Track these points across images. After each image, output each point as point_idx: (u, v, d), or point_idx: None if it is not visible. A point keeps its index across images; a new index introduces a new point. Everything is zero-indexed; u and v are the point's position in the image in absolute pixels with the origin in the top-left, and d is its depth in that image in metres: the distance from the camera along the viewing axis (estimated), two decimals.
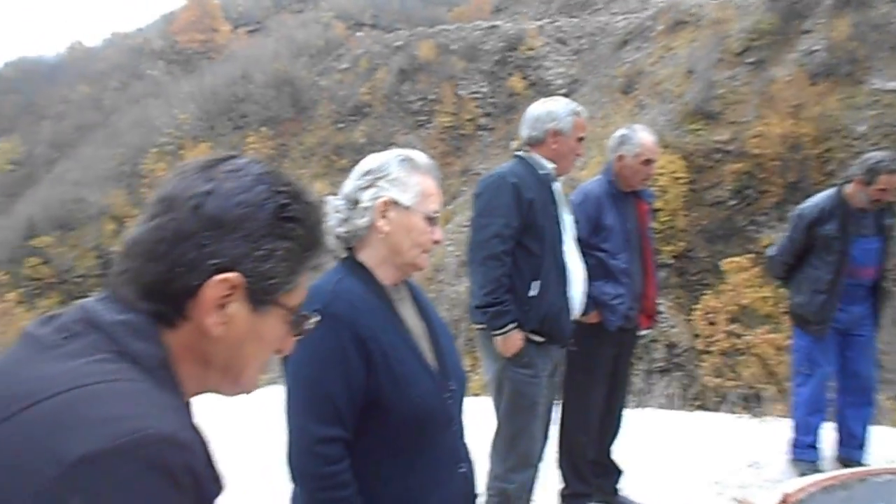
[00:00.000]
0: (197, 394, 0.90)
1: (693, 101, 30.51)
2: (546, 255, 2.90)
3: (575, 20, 48.43)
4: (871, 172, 3.69)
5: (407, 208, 1.63)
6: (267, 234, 0.85)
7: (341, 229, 1.67)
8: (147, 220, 0.85)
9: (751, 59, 31.47)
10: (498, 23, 50.43)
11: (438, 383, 1.61)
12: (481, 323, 2.91)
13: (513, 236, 2.84)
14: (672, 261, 26.97)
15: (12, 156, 60.84)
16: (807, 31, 31.07)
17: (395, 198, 1.63)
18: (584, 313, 3.20)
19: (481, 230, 2.86)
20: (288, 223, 0.87)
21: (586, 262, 3.18)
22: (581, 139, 2.99)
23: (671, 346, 24.40)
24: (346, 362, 1.52)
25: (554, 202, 2.99)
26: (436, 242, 1.67)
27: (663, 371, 22.54)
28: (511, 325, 2.82)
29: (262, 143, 44.19)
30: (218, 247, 0.83)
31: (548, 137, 2.95)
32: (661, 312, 25.46)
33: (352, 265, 1.66)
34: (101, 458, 0.66)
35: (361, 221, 1.64)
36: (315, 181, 36.23)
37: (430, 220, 1.66)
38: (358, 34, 60.50)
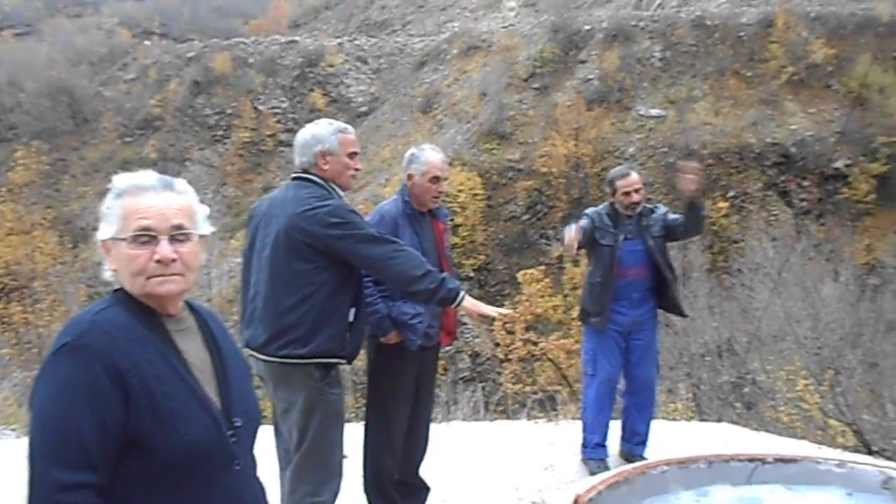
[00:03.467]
0: None
1: (487, 122, 32.21)
2: (360, 281, 2.99)
3: (374, 39, 49.15)
4: (610, 184, 4.31)
5: (115, 240, 1.52)
6: None
7: (107, 270, 1.58)
8: None
9: (536, 85, 33.90)
10: (297, 38, 49.79)
11: (218, 419, 1.51)
12: (293, 358, 2.84)
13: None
14: (473, 274, 28.20)
15: None
16: (583, 62, 34.12)
17: (102, 236, 1.55)
18: (384, 334, 3.20)
19: (360, 229, 2.88)
20: None
21: (385, 283, 3.20)
22: (353, 154, 3.04)
23: (475, 355, 25.41)
24: (98, 398, 1.37)
25: None
26: (159, 262, 1.49)
27: (468, 380, 23.37)
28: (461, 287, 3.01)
29: (35, 158, 39.71)
30: None
31: (318, 160, 2.97)
32: (465, 324, 26.49)
33: (123, 295, 1.55)
34: None
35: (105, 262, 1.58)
36: (100, 200, 33.27)
37: (140, 238, 1.50)
38: (146, 43, 56.73)
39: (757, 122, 28.96)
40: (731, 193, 27.48)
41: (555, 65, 34.39)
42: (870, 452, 7.95)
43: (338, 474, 3.00)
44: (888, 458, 7.70)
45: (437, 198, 3.43)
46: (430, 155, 3.42)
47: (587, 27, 35.54)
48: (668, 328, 14.88)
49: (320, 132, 3.00)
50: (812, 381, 10.19)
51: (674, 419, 9.36)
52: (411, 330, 3.24)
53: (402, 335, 3.24)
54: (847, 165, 26.93)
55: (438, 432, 4.75)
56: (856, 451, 8.14)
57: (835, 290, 13.88)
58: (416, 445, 3.53)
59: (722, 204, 27.01)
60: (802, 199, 26.91)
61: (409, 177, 3.40)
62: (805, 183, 27.20)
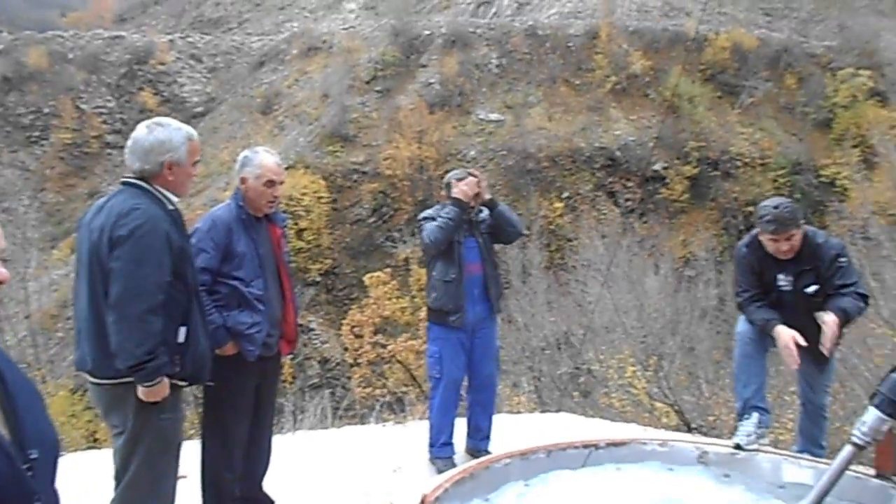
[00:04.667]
0: None
1: (330, 124, 31.87)
2: (191, 298, 2.78)
3: (209, 37, 47.06)
4: (447, 186, 4.38)
5: None
6: None
7: None
8: None
9: (379, 88, 34.02)
10: (123, 33, 46.57)
11: (10, 453, 1.37)
12: (125, 378, 2.64)
13: (169, 284, 2.64)
14: (320, 278, 27.79)
15: None
16: (424, 66, 34.70)
17: None
18: (220, 345, 3.05)
19: (137, 279, 2.56)
20: None
21: (219, 292, 3.06)
22: (196, 162, 2.86)
23: (324, 361, 25.04)
24: None
25: (186, 238, 2.82)
26: None
27: (317, 387, 23.00)
28: (162, 377, 2.65)
29: None
30: None
31: (164, 170, 2.74)
32: (312, 329, 26.01)
33: None
34: None
35: None
36: None
37: None
38: None
39: (586, 127, 30.85)
40: (565, 194, 29.08)
41: (396, 68, 34.68)
42: (689, 430, 8.72)
43: (170, 502, 2.83)
44: (704, 434, 8.48)
45: (273, 202, 3.31)
46: (265, 157, 3.29)
47: (427, 32, 36.17)
48: (511, 324, 15.49)
49: (171, 139, 2.73)
50: (639, 367, 11.01)
51: (518, 412, 9.74)
52: (249, 340, 3.11)
53: (239, 346, 3.11)
54: (664, 168, 29.38)
55: (284, 443, 4.62)
56: (678, 429, 8.90)
57: (656, 283, 15.10)
58: (258, 459, 3.41)
59: (558, 204, 28.52)
60: (627, 199, 29.02)
61: (243, 180, 3.27)
62: (629, 184, 29.34)
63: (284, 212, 3.62)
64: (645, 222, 27.67)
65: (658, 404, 10.09)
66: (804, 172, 29.21)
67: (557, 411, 8.42)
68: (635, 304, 13.16)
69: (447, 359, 4.39)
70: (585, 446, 3.43)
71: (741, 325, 4.02)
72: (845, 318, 3.62)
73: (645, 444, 3.55)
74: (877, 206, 13.31)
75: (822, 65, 32.84)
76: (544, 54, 34.23)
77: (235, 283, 3.12)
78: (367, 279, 20.63)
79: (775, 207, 3.75)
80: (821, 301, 3.74)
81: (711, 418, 9.50)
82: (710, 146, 29.95)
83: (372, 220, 29.42)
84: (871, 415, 2.78)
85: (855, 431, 2.81)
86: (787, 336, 3.66)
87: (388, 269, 22.32)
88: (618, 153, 29.83)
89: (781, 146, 30.30)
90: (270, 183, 3.25)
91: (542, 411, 9.51)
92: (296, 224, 26.05)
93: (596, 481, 3.22)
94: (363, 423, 7.66)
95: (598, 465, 3.38)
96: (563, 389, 12.87)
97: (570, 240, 25.86)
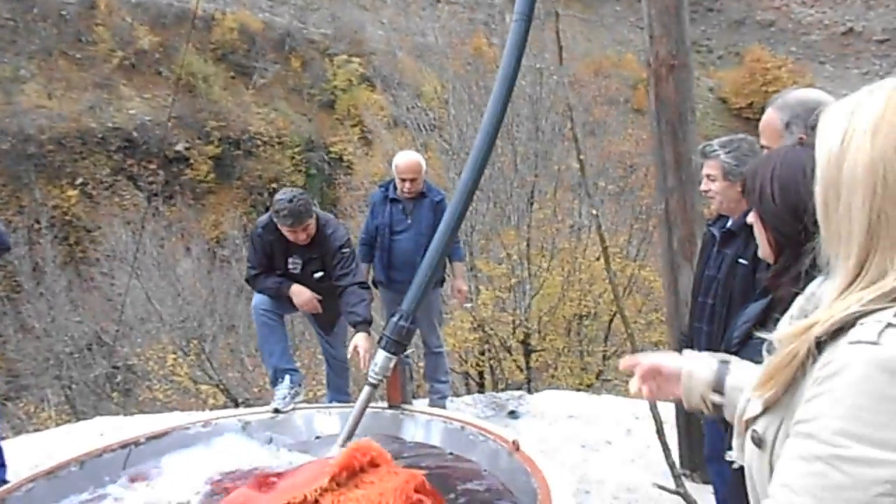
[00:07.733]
0: None
1: None
2: None
3: None
4: None
5: None
6: None
7: None
8: None
9: None
10: None
11: None
12: None
13: None
14: None
15: None
16: None
17: None
18: None
19: None
20: None
21: None
22: None
23: None
24: None
25: None
26: None
27: None
28: None
29: None
30: None
31: None
32: None
33: None
34: None
35: None
36: None
37: None
38: None
39: (95, 105, 28.33)
40: (79, 181, 26.41)
41: None
42: (237, 405, 8.93)
43: None
44: (251, 405, 8.80)
45: None
46: None
47: None
48: (27, 333, 13.56)
49: None
50: (180, 353, 10.77)
51: (47, 428, 8.66)
52: None
53: None
54: (187, 148, 28.86)
55: None
56: (226, 407, 9.03)
57: (190, 265, 14.86)
58: None
59: (71, 192, 25.74)
60: (150, 182, 27.69)
61: None
62: (151, 166, 28.04)
63: None
64: (172, 205, 26.83)
65: (204, 387, 10.06)
66: (317, 149, 31.87)
67: (94, 417, 7.76)
68: (170, 291, 12.76)
69: None
70: (124, 446, 3.25)
71: (255, 298, 4.28)
72: (368, 327, 4.05)
73: (188, 428, 3.52)
74: (376, 178, 15.33)
75: (320, 51, 35.99)
76: (33, 22, 30.06)
77: None
78: None
79: (290, 202, 3.90)
80: (327, 283, 4.17)
81: (256, 390, 9.89)
82: (230, 126, 30.43)
83: None
84: (381, 356, 3.24)
85: (370, 373, 3.25)
86: (306, 294, 4.10)
87: None
88: (135, 134, 28.17)
89: (295, 125, 32.47)
90: None
91: (78, 420, 8.63)
92: None
93: (136, 482, 3.08)
94: None
95: (141, 462, 3.23)
96: (99, 393, 11.86)
97: (89, 230, 23.64)
